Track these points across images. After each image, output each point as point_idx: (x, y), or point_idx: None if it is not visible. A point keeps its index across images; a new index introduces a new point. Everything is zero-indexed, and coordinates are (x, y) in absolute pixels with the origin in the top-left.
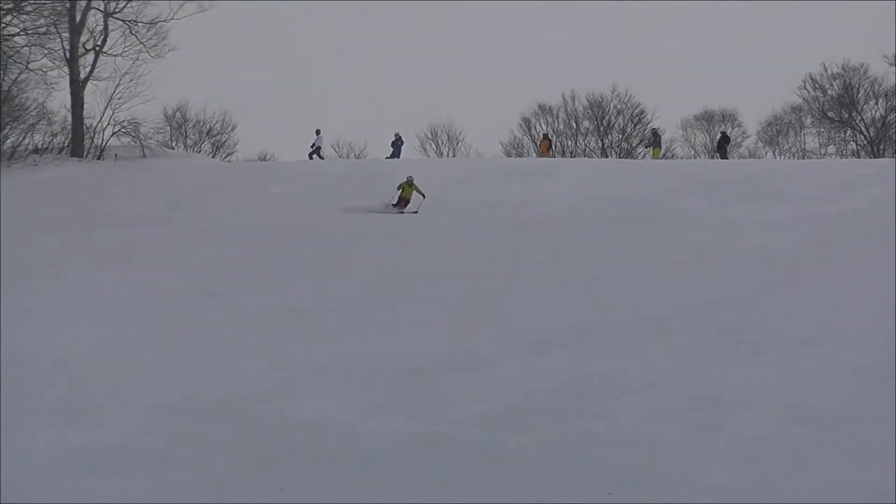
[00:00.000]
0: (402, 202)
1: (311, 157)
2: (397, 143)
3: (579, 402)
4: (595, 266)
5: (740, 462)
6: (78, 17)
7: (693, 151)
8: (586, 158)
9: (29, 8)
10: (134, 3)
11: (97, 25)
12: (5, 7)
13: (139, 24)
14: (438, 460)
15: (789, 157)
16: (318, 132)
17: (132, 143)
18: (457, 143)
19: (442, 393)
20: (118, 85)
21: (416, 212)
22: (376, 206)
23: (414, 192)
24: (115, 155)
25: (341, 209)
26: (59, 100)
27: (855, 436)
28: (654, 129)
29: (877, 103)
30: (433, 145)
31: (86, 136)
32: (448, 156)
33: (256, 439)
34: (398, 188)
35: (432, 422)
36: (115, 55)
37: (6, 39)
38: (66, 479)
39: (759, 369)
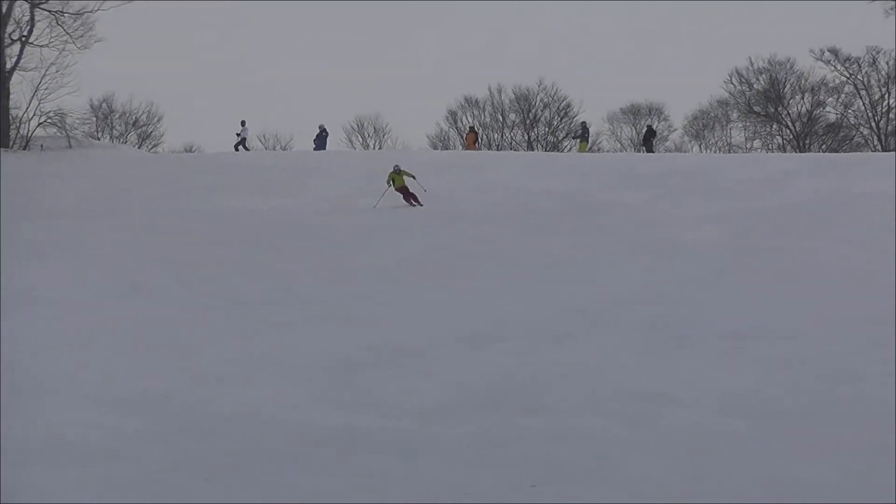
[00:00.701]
0: (404, 193)
1: (237, 149)
2: (322, 135)
3: (511, 395)
4: (525, 260)
5: (672, 456)
6: (4, 8)
7: (619, 145)
8: (513, 151)
9: None
10: None
11: (23, 16)
12: None
13: (65, 15)
14: (370, 454)
15: (715, 152)
16: (243, 123)
17: (58, 134)
18: (383, 136)
19: (374, 387)
20: (44, 75)
21: (421, 204)
22: (366, 204)
23: (405, 177)
24: (41, 146)
25: (270, 201)
26: None
27: (788, 430)
28: (583, 122)
29: (803, 98)
30: (360, 137)
31: (12, 127)
32: (374, 148)
33: (192, 432)
34: (388, 181)
35: (364, 415)
36: (42, 45)
37: None
38: (5, 472)
39: (690, 363)
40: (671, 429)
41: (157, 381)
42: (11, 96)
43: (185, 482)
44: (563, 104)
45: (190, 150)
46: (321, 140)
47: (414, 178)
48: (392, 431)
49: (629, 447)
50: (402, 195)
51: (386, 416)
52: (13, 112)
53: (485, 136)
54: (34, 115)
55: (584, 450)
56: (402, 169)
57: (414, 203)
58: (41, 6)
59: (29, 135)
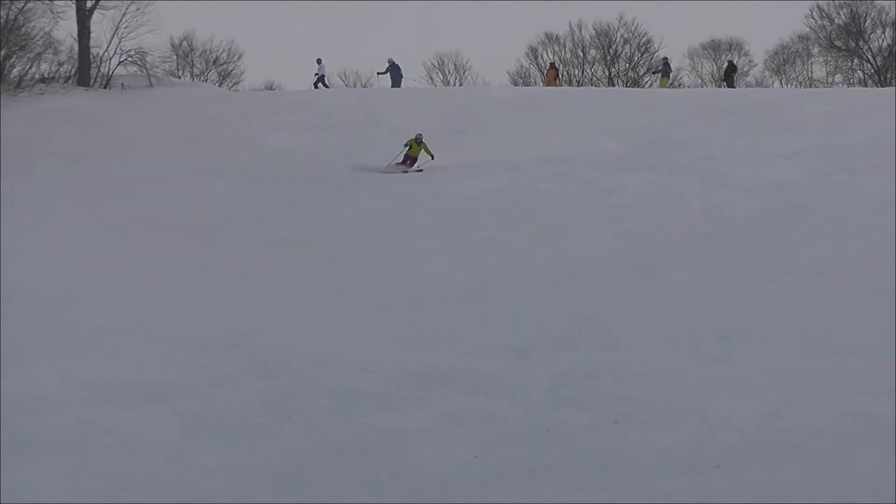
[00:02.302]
0: (409, 160)
1: (315, 87)
2: (394, 71)
3: (589, 333)
4: (606, 197)
5: (751, 394)
6: None
7: (700, 80)
8: (593, 87)
9: None
10: None
11: None
12: None
13: None
14: (447, 394)
15: (796, 87)
16: (319, 61)
17: (139, 73)
18: (464, 73)
19: (451, 325)
20: (125, 14)
21: (420, 170)
22: (381, 165)
23: (422, 150)
24: (122, 84)
25: (347, 140)
26: (66, 29)
27: (869, 368)
28: (665, 57)
29: (884, 32)
30: (440, 74)
31: (92, 66)
32: (455, 85)
33: (264, 371)
34: (405, 145)
35: (440, 355)
36: None
37: None
38: (76, 411)
39: (770, 300)
40: (752, 367)
41: (228, 320)
42: (92, 35)
43: (260, 421)
44: (643, 40)
45: (270, 88)
46: (395, 76)
47: (432, 157)
48: (469, 370)
49: (709, 385)
50: (407, 161)
51: (463, 354)
52: (94, 51)
53: (565, 73)
54: (115, 53)
55: (665, 388)
56: (423, 141)
57: (407, 170)
58: None
59: (110, 73)
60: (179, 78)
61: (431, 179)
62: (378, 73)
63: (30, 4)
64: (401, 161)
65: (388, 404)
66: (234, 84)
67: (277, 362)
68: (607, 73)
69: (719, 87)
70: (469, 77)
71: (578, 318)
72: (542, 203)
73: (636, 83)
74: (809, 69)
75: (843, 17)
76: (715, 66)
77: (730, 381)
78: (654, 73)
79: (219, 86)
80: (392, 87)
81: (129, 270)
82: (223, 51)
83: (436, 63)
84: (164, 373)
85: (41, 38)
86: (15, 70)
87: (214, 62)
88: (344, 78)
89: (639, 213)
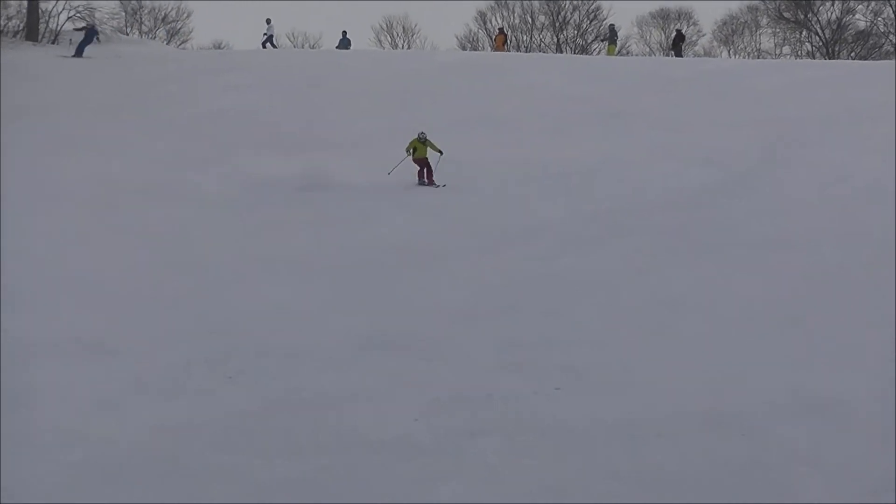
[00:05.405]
0: (421, 165)
1: (264, 47)
2: (344, 40)
3: (531, 301)
4: (549, 165)
5: (692, 364)
6: None
7: (648, 49)
8: (542, 53)
9: None
10: None
11: None
12: None
13: None
14: (389, 357)
15: (744, 58)
16: (268, 21)
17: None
18: (412, 36)
19: (394, 289)
20: None
21: (443, 185)
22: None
23: (428, 149)
24: (70, 40)
25: (295, 99)
26: None
27: (810, 340)
28: (611, 25)
29: (832, 4)
30: (388, 37)
31: (41, 21)
32: (403, 48)
33: (208, 331)
34: (407, 150)
35: (383, 318)
36: None
37: None
38: (20, 368)
39: (714, 271)
40: (694, 337)
41: (172, 280)
42: None
43: (205, 381)
44: (592, 7)
45: (218, 48)
46: (344, 42)
47: (441, 153)
48: (412, 334)
49: (651, 354)
50: (419, 167)
51: (406, 318)
52: (42, 6)
53: (514, 38)
54: (63, 9)
55: (607, 356)
56: (427, 139)
57: (428, 182)
58: None
59: (58, 29)
60: (127, 35)
61: (381, 141)
62: (336, 48)
63: None
64: (417, 168)
65: (331, 366)
66: (183, 42)
67: (221, 322)
68: (556, 40)
69: (667, 56)
70: (417, 41)
71: (521, 285)
72: (488, 169)
73: (584, 50)
74: (758, 40)
75: None
76: (664, 35)
77: (671, 350)
78: (602, 40)
79: (167, 44)
80: (338, 47)
81: (74, 228)
82: (172, 9)
83: (384, 26)
84: (108, 330)
85: None
86: None
87: (163, 20)
88: (292, 39)
89: (583, 182)
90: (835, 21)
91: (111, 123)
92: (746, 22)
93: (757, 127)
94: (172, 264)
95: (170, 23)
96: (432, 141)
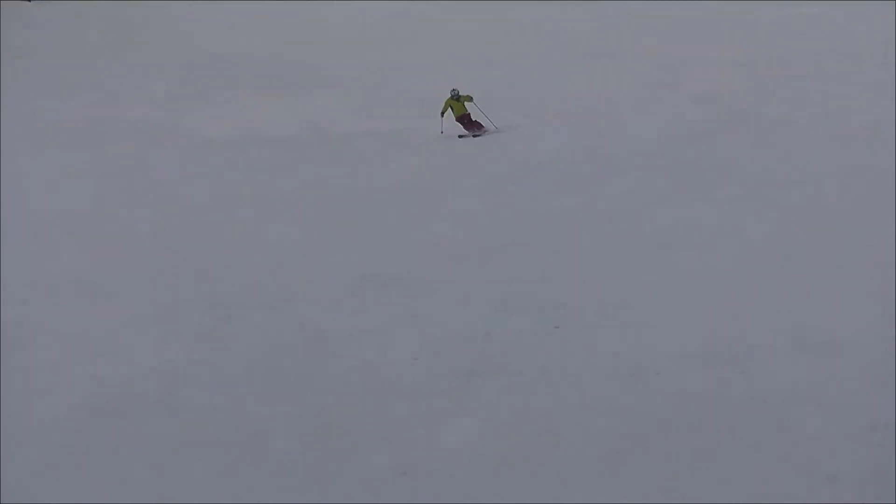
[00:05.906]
0: (467, 122)
1: None
2: None
3: (528, 240)
4: (548, 103)
5: (690, 302)
6: None
7: None
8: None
9: None
10: None
11: None
12: None
13: None
14: (387, 297)
15: None
16: None
17: None
18: None
19: (391, 230)
20: None
21: (495, 128)
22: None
23: (465, 103)
24: None
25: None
26: None
27: (809, 277)
28: None
29: None
30: None
31: None
32: None
33: (206, 271)
34: (442, 112)
35: (380, 258)
36: None
37: None
38: (16, 308)
39: (711, 208)
40: (692, 276)
41: (171, 220)
42: None
43: (200, 320)
44: None
45: None
46: None
47: (471, 99)
48: (410, 274)
49: (649, 293)
50: (462, 124)
51: (403, 258)
52: None
53: None
54: None
55: (605, 295)
56: (460, 95)
57: (478, 133)
58: None
59: None
60: None
61: (378, 78)
62: None
63: None
64: (463, 127)
65: (329, 305)
66: None
67: (217, 263)
68: None
69: None
70: None
71: (519, 224)
72: (481, 107)
73: None
74: None
75: None
76: None
77: (670, 289)
78: None
79: None
80: None
81: (70, 168)
82: None
83: None
84: (104, 271)
85: None
86: None
87: None
88: None
89: (581, 122)
90: None
91: (109, 63)
92: None
93: (755, 65)
94: (168, 204)
95: None
96: (463, 94)
